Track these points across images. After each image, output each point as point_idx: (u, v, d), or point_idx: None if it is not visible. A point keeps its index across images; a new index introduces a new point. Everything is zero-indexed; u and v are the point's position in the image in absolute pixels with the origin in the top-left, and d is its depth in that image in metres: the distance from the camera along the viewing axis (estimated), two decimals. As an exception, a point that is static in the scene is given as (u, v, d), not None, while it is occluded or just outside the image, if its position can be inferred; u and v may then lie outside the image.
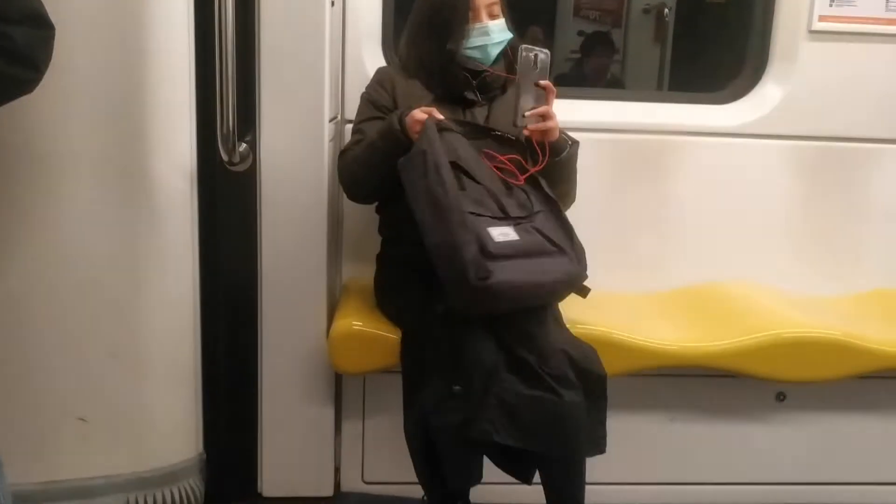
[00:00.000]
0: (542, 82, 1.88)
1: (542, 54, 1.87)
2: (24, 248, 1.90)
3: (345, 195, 2.12)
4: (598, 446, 1.83)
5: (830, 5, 2.36)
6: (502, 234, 1.77)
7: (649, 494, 2.27)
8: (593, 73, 4.22)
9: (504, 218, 1.82)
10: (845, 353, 2.07)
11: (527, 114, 1.87)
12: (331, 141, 2.09)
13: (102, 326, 1.97)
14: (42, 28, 1.36)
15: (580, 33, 4.51)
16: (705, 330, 2.14)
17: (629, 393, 2.15)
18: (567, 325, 1.94)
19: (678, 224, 2.46)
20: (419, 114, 1.87)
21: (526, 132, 1.89)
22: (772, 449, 2.25)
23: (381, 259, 2.15)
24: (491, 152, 1.93)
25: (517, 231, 1.80)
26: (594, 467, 1.82)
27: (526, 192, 1.90)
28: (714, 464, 2.25)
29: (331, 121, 2.09)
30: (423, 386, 1.81)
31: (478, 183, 1.85)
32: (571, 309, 2.04)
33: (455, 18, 1.97)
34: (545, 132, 1.89)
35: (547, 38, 4.31)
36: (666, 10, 4.45)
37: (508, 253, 1.75)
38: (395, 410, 1.91)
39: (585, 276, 1.88)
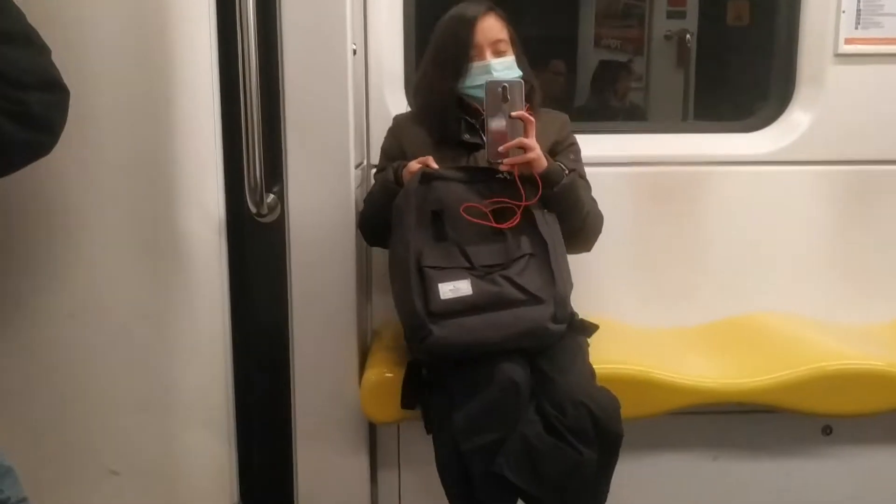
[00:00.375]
0: (514, 113, 1.79)
1: (512, 85, 1.80)
2: (54, 302, 1.91)
3: None
4: (599, 502, 1.79)
5: (856, 27, 2.33)
6: (452, 289, 1.74)
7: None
8: (608, 102, 4.20)
9: (469, 268, 1.78)
10: (892, 384, 2.00)
11: (500, 148, 1.79)
12: (357, 187, 2.09)
13: (133, 378, 1.98)
14: (56, 92, 1.39)
15: (602, 63, 4.50)
16: (746, 364, 2.08)
17: (671, 431, 2.11)
18: (599, 365, 1.89)
19: (709, 255, 2.42)
20: (414, 165, 1.87)
21: (504, 167, 1.82)
22: (819, 485, 2.18)
23: None
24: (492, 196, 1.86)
25: (476, 283, 1.75)
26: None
27: (518, 235, 1.82)
28: (760, 502, 2.18)
29: (357, 167, 2.09)
30: (453, 411, 1.78)
31: (456, 232, 1.82)
32: (605, 346, 2.01)
33: (456, 57, 1.93)
34: (527, 164, 1.80)
35: (569, 71, 4.31)
36: (688, 36, 4.41)
37: (456, 309, 1.72)
38: (430, 459, 1.87)
39: (560, 328, 1.79)
